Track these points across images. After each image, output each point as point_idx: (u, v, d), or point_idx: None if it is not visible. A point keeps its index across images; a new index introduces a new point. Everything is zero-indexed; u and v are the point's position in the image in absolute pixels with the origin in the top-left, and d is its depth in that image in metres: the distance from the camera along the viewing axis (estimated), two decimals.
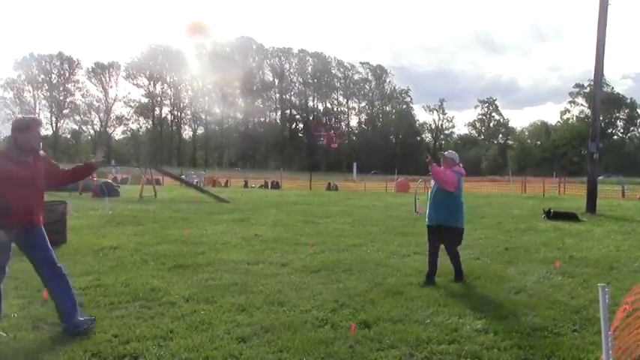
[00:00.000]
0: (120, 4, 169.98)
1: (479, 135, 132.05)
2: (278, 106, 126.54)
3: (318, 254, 10.21)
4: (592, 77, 23.80)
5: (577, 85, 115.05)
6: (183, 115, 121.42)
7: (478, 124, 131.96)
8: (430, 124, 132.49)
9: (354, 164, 73.52)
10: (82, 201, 22.04)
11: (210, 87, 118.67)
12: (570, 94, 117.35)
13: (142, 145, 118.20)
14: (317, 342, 5.25)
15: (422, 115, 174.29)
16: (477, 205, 22.64)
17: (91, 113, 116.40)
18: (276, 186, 43.98)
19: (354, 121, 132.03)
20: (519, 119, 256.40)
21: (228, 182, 47.96)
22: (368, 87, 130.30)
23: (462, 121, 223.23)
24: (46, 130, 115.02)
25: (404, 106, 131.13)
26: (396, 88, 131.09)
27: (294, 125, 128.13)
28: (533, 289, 7.63)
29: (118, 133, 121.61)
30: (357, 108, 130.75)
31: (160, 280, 7.80)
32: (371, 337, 5.47)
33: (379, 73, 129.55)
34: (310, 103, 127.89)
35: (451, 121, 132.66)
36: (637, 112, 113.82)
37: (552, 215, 17.27)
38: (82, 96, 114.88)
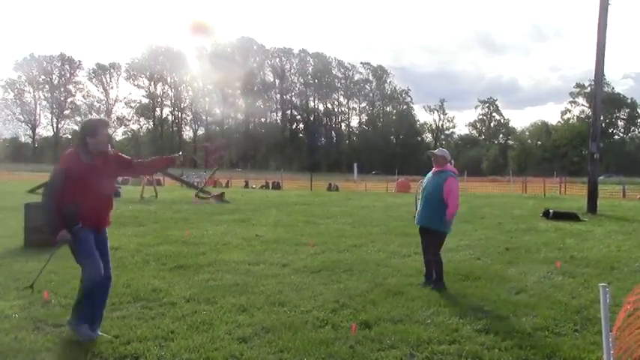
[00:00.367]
0: (121, 5, 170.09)
1: (479, 135, 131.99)
2: (279, 106, 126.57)
3: (318, 255, 10.21)
4: (592, 77, 23.80)
5: (577, 85, 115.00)
6: (183, 115, 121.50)
7: (479, 125, 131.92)
8: (431, 125, 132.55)
9: (355, 164, 73.44)
10: None
11: (211, 87, 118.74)
12: (571, 94, 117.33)
13: (142, 145, 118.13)
14: (318, 342, 5.26)
15: (422, 116, 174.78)
16: (478, 206, 22.65)
17: (91, 114, 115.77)
18: (276, 186, 43.96)
19: (354, 122, 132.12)
20: (520, 119, 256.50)
21: (229, 183, 47.96)
22: (368, 87, 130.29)
23: (462, 122, 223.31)
24: (46, 131, 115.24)
25: (404, 107, 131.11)
26: (397, 88, 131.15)
27: (294, 126, 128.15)
28: (533, 289, 7.64)
29: (118, 134, 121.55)
30: (357, 108, 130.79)
31: (160, 280, 7.80)
32: (372, 337, 5.47)
33: (380, 73, 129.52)
34: (311, 104, 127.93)
35: (452, 121, 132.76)
36: (637, 112, 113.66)
37: (553, 215, 17.26)
38: (83, 97, 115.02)
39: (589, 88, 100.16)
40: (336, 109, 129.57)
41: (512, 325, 5.93)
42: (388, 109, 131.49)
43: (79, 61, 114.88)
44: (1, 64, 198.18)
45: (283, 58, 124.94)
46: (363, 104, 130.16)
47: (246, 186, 46.30)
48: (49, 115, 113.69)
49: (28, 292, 6.90)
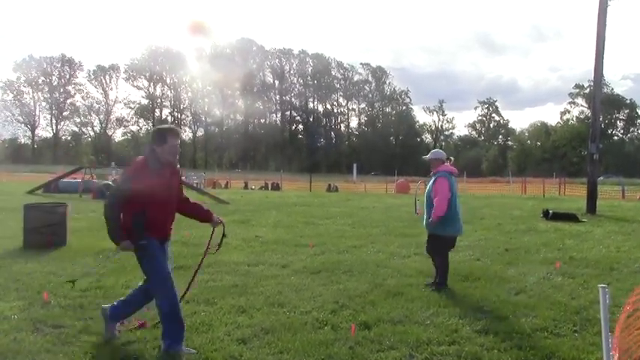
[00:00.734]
0: (120, 6, 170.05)
1: (479, 136, 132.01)
2: (278, 107, 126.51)
3: (318, 255, 10.21)
4: (592, 78, 23.81)
5: (577, 86, 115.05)
6: (183, 116, 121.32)
7: (478, 125, 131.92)
8: (430, 125, 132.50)
9: (354, 165, 73.50)
10: (83, 203, 22.04)
11: (211, 88, 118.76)
12: (570, 94, 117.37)
13: (142, 146, 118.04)
14: (317, 343, 5.26)
15: (422, 116, 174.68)
16: (477, 206, 22.65)
17: (91, 115, 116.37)
18: (276, 187, 43.96)
19: (354, 122, 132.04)
20: (519, 120, 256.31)
21: (228, 184, 47.98)
22: (368, 88, 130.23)
23: (461, 122, 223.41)
24: (46, 132, 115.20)
25: (404, 107, 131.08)
26: (396, 89, 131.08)
27: (294, 127, 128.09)
28: (533, 290, 7.64)
29: (118, 135, 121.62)
30: (357, 109, 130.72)
31: None
32: (371, 338, 5.47)
33: (379, 74, 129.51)
34: (310, 105, 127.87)
35: (451, 122, 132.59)
36: (637, 113, 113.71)
37: (552, 216, 17.27)
38: (82, 98, 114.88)
39: (588, 89, 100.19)
40: (335, 110, 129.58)
41: (512, 326, 5.93)
42: (387, 109, 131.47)
43: (79, 62, 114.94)
44: (1, 65, 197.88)
45: (283, 59, 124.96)
46: (363, 105, 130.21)
47: (246, 187, 46.30)
48: (49, 117, 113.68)
49: (28, 294, 6.92)
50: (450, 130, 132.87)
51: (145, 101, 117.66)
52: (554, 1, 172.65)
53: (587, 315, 6.35)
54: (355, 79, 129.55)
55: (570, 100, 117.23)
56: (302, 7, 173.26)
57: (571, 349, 5.23)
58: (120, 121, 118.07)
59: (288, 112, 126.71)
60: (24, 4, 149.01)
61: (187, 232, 12.91)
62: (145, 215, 4.97)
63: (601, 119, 25.79)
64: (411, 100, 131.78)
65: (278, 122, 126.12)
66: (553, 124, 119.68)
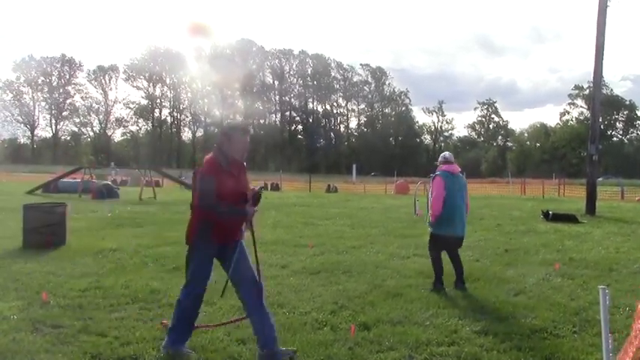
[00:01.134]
0: (120, 6, 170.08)
1: (478, 137, 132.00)
2: (278, 108, 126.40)
3: (317, 256, 10.21)
4: (591, 79, 23.85)
5: (576, 87, 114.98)
6: (182, 116, 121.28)
7: (477, 126, 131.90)
8: (430, 126, 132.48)
9: (354, 166, 73.48)
10: (82, 203, 22.03)
11: (210, 89, 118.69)
12: (569, 95, 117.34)
13: (141, 147, 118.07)
14: (316, 344, 5.26)
15: (421, 117, 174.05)
16: (477, 207, 22.63)
17: (90, 115, 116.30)
18: (275, 188, 43.94)
19: (353, 123, 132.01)
20: (519, 121, 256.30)
21: None
22: (367, 89, 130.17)
23: (461, 123, 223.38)
24: (45, 133, 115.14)
25: (403, 108, 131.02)
26: (396, 89, 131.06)
27: (293, 127, 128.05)
28: (532, 291, 7.64)
29: (117, 135, 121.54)
30: (356, 110, 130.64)
31: (159, 281, 7.80)
32: (370, 338, 5.47)
33: (379, 75, 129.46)
34: (310, 105, 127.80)
35: (450, 122, 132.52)
36: (636, 114, 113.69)
37: (552, 217, 17.27)
38: (82, 98, 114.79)
39: (588, 90, 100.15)
40: (335, 111, 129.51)
41: (511, 327, 5.93)
42: (387, 110, 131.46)
43: (79, 63, 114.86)
44: (1, 65, 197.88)
45: (282, 60, 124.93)
46: (362, 106, 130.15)
47: None
48: (48, 117, 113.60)
49: (27, 294, 6.92)
50: (450, 131, 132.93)
51: (144, 101, 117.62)
52: (553, 3, 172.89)
53: (586, 316, 6.35)
54: (355, 79, 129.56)
55: (570, 101, 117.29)
56: (302, 8, 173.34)
57: (570, 350, 5.23)
58: (119, 122, 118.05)
59: (287, 113, 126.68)
60: (24, 4, 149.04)
61: None
62: (214, 221, 4.86)
63: (600, 120, 25.79)
64: (410, 101, 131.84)
65: (277, 123, 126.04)
66: (552, 125, 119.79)
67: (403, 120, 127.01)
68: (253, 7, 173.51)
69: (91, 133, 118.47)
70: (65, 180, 30.34)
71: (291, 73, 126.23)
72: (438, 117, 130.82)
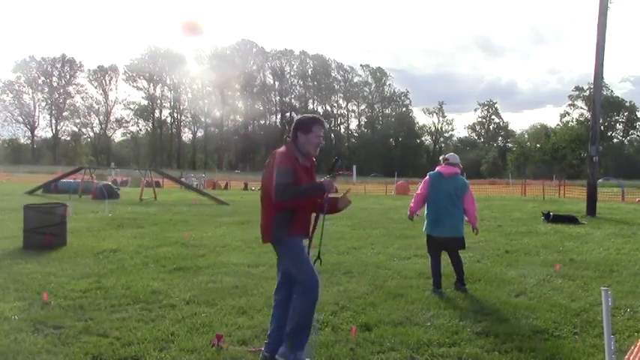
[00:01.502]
0: (120, 7, 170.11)
1: (478, 138, 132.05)
2: (278, 108, 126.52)
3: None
4: (591, 80, 23.83)
5: (577, 88, 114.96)
6: (182, 117, 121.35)
7: (478, 127, 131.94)
8: (430, 127, 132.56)
9: (354, 167, 73.47)
10: (82, 203, 22.03)
11: (210, 89, 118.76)
12: (570, 97, 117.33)
13: (141, 147, 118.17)
14: (318, 345, 5.25)
15: (421, 118, 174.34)
16: (477, 208, 22.62)
17: (90, 116, 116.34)
18: None
19: (353, 124, 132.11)
20: (519, 122, 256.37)
21: (228, 185, 47.96)
22: (368, 89, 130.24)
23: (461, 124, 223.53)
24: (45, 133, 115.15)
25: (403, 109, 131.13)
26: (396, 90, 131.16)
27: None
28: (533, 292, 7.64)
29: (117, 136, 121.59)
30: (356, 111, 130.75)
31: (160, 282, 7.80)
32: (372, 339, 5.47)
33: (379, 75, 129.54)
34: (310, 106, 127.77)
35: (451, 123, 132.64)
36: (636, 115, 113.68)
37: (553, 218, 17.27)
38: (82, 98, 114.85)
39: (588, 92, 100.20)
40: (335, 112, 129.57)
41: (512, 328, 5.92)
42: (387, 111, 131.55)
43: (80, 63, 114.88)
44: (1, 66, 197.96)
45: (283, 60, 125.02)
46: (363, 106, 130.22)
47: (246, 188, 46.25)
48: (48, 117, 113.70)
49: (28, 294, 6.92)
50: (450, 132, 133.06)
51: (144, 102, 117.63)
52: (553, 4, 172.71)
53: (587, 317, 6.34)
54: (355, 80, 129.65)
55: (570, 102, 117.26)
56: (302, 9, 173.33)
57: (571, 352, 5.23)
58: (119, 122, 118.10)
59: (288, 114, 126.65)
60: (25, 4, 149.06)
61: (187, 234, 12.93)
62: (291, 212, 4.74)
63: (601, 121, 25.77)
64: (410, 101, 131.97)
65: (278, 123, 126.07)
66: (553, 126, 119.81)
67: (403, 121, 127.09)
68: (254, 7, 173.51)
69: (91, 134, 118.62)
70: (65, 180, 30.34)
71: (292, 73, 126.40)
72: (438, 118, 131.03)
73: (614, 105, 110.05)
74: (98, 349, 5.05)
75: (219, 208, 21.90)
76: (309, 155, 4.88)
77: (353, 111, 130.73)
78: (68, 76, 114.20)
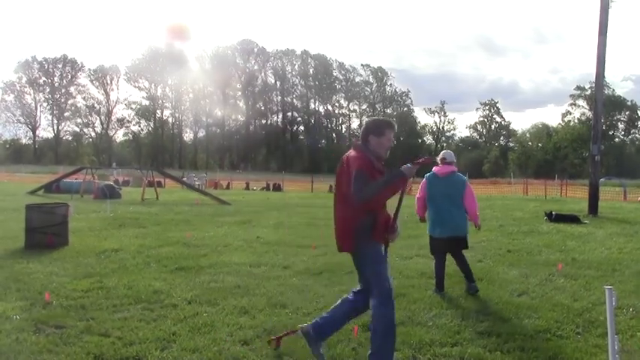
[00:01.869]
0: (121, 7, 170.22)
1: (480, 137, 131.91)
2: (279, 108, 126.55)
3: (320, 256, 10.19)
4: (593, 79, 23.76)
5: (578, 88, 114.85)
6: (184, 117, 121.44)
7: (479, 127, 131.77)
8: (431, 127, 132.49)
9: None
10: (84, 203, 22.04)
11: (212, 89, 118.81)
12: (571, 96, 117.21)
13: (143, 147, 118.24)
14: None
15: (423, 118, 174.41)
16: (479, 208, 22.61)
17: (92, 116, 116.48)
18: (277, 188, 43.98)
19: (355, 124, 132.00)
20: (521, 121, 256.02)
21: (229, 184, 47.98)
22: (369, 89, 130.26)
23: (463, 124, 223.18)
24: (47, 133, 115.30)
25: (405, 109, 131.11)
26: (397, 90, 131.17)
27: (295, 127, 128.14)
28: (535, 292, 7.62)
29: (119, 136, 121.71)
30: (358, 110, 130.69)
31: (162, 282, 7.79)
32: None
33: (380, 75, 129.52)
34: (312, 106, 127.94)
35: (452, 123, 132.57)
36: (637, 115, 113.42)
37: (555, 218, 17.25)
38: (84, 99, 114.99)
39: (589, 91, 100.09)
40: (336, 111, 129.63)
41: (515, 328, 5.91)
42: (389, 111, 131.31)
43: (81, 63, 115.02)
44: (3, 66, 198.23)
45: (284, 60, 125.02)
46: (364, 106, 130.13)
47: (247, 188, 46.31)
48: (50, 117, 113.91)
49: (29, 294, 6.92)
50: (452, 132, 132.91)
51: (146, 102, 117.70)
52: (555, 3, 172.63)
53: (589, 317, 6.33)
54: (356, 80, 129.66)
55: (571, 101, 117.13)
56: (304, 9, 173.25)
57: (574, 351, 5.22)
58: (121, 122, 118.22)
59: (289, 113, 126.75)
60: (27, 5, 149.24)
61: (188, 234, 12.93)
62: (372, 218, 4.64)
63: (602, 121, 25.72)
64: (412, 101, 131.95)
65: (279, 123, 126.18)
66: (554, 126, 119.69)
67: (405, 120, 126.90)
68: (255, 8, 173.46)
69: (93, 134, 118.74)
70: (67, 180, 30.37)
71: (293, 73, 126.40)
72: (439, 117, 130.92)
73: (616, 104, 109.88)
74: (100, 348, 5.04)
75: (220, 207, 21.90)
76: (381, 158, 4.81)
77: (354, 111, 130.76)
78: (70, 77, 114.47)
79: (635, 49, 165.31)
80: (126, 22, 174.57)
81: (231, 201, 24.93)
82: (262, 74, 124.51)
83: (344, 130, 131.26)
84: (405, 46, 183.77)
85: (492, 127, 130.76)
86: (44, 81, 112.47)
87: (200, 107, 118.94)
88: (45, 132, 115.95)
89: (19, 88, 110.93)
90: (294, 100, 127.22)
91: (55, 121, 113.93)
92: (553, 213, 17.58)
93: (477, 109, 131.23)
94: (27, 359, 4.79)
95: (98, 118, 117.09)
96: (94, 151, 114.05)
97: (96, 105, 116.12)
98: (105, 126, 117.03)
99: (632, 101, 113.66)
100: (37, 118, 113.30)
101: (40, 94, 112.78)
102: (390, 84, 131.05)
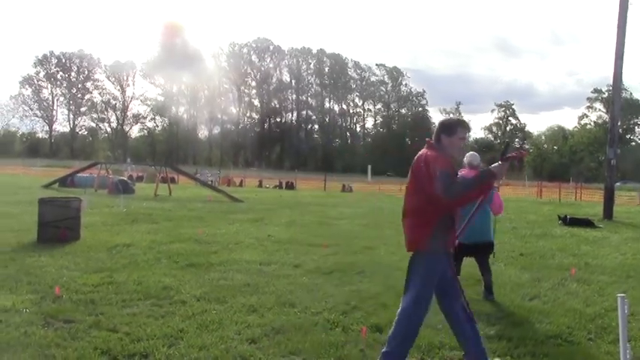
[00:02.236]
0: (138, 3, 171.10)
1: (495, 139, 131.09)
2: (294, 106, 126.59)
3: (331, 256, 10.16)
4: (610, 82, 23.57)
5: (595, 91, 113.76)
6: (199, 114, 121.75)
7: (494, 128, 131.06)
8: None
9: (369, 166, 73.37)
10: (98, 198, 22.14)
11: (227, 86, 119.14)
12: (588, 99, 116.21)
13: (158, 143, 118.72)
14: (327, 345, 5.21)
15: (438, 118, 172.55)
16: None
17: (108, 111, 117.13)
18: (290, 186, 44.01)
19: (369, 123, 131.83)
20: (536, 124, 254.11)
21: (243, 182, 48.06)
22: (384, 89, 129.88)
23: (478, 125, 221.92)
24: (63, 127, 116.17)
25: (420, 109, 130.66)
26: (413, 90, 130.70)
27: (309, 126, 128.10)
28: (547, 296, 7.55)
29: (134, 132, 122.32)
30: (372, 110, 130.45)
31: (172, 278, 7.79)
32: (382, 341, 5.39)
33: (395, 75, 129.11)
34: (327, 104, 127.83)
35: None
36: None
37: (569, 221, 17.10)
38: (100, 94, 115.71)
39: (607, 94, 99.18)
40: (351, 110, 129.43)
41: (526, 332, 5.84)
42: (403, 111, 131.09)
43: (98, 59, 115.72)
44: (22, 61, 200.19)
45: (300, 59, 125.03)
46: (379, 106, 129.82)
47: (260, 185, 46.35)
48: (66, 112, 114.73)
49: (40, 287, 6.94)
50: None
51: (161, 98, 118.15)
52: (572, 5, 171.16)
53: (602, 323, 6.24)
54: (371, 79, 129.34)
55: (588, 104, 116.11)
56: (320, 8, 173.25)
57: (586, 358, 5.15)
58: (136, 118, 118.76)
59: (304, 112, 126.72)
60: (45, 1, 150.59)
61: (200, 230, 12.94)
62: (451, 220, 4.53)
63: (619, 124, 25.46)
64: (427, 101, 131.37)
65: (294, 121, 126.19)
66: (570, 129, 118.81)
67: (420, 121, 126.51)
68: (271, 6, 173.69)
69: (109, 129, 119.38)
70: (82, 175, 30.55)
71: (309, 72, 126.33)
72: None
73: (634, 107, 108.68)
74: (107, 344, 5.04)
75: (233, 205, 21.93)
76: (453, 158, 4.77)
77: (369, 110, 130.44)
78: (86, 72, 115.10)
79: None
80: (142, 18, 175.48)
81: (244, 198, 24.95)
82: (277, 72, 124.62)
83: (358, 129, 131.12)
84: (420, 46, 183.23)
85: (507, 129, 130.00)
86: (61, 76, 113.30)
87: (215, 104, 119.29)
88: (61, 126, 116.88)
89: (36, 83, 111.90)
90: (309, 99, 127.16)
91: (72, 116, 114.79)
92: (568, 217, 17.43)
93: (492, 110, 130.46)
94: (35, 353, 4.79)
95: (114, 113, 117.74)
96: (110, 147, 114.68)
97: (112, 100, 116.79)
98: (120, 121, 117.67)
99: None
100: (54, 112, 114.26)
101: (58, 89, 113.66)
102: (405, 84, 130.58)
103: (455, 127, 4.73)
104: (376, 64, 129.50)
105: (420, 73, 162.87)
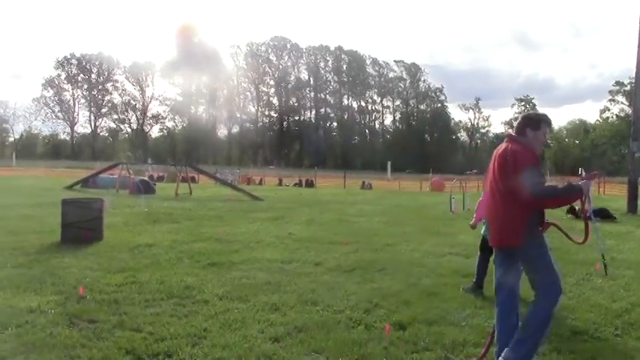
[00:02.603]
0: (156, 3, 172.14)
1: None
2: (313, 104, 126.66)
3: (352, 253, 10.14)
4: (632, 75, 23.23)
5: (617, 83, 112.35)
6: (218, 113, 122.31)
7: (515, 123, 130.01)
8: (466, 123, 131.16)
9: (389, 163, 73.21)
10: (119, 198, 22.29)
11: (245, 85, 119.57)
12: (610, 92, 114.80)
13: (177, 143, 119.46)
14: (351, 343, 5.19)
15: (457, 114, 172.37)
16: None
17: (128, 112, 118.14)
18: (310, 184, 44.03)
19: (388, 120, 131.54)
20: (557, 118, 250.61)
21: (262, 180, 48.17)
22: (402, 85, 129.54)
23: (498, 120, 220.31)
24: (84, 129, 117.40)
25: (439, 105, 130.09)
26: (431, 86, 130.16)
27: (328, 124, 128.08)
28: (572, 292, 7.46)
29: (154, 132, 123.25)
30: (391, 106, 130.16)
31: (194, 277, 7.82)
32: (406, 338, 5.39)
33: (414, 71, 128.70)
34: (345, 102, 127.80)
35: (487, 119, 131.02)
36: None
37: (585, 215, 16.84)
38: (120, 95, 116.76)
39: (629, 86, 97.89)
40: (370, 107, 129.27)
41: (551, 328, 5.77)
42: (422, 107, 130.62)
43: (117, 60, 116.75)
44: (43, 63, 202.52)
45: (317, 56, 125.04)
46: (397, 102, 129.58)
47: (280, 184, 46.44)
48: (87, 113, 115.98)
49: (64, 288, 7.00)
50: (486, 128, 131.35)
51: (180, 98, 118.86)
52: None
53: (629, 318, 6.16)
54: (390, 76, 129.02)
55: (610, 97, 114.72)
56: (337, 4, 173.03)
57: (612, 354, 5.08)
58: (156, 118, 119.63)
59: (322, 109, 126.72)
60: (68, 3, 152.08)
61: (221, 229, 12.98)
62: (539, 213, 4.57)
63: None
64: (446, 97, 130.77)
65: (312, 119, 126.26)
66: (592, 122, 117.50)
67: (439, 117, 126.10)
68: (288, 4, 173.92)
69: (129, 130, 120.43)
70: (103, 176, 30.81)
71: (327, 69, 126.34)
72: (474, 114, 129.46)
73: None
74: (131, 343, 5.06)
75: (253, 203, 21.98)
76: (538, 155, 4.72)
77: (388, 107, 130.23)
78: (106, 73, 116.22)
79: None
80: (160, 18, 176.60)
81: (264, 197, 25.00)
82: (295, 70, 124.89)
83: (377, 126, 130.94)
84: (439, 42, 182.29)
85: None
86: (82, 78, 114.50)
87: (234, 103, 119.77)
88: (82, 128, 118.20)
89: (58, 85, 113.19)
90: (327, 96, 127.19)
91: (92, 117, 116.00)
92: (576, 209, 17.11)
93: (512, 105, 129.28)
94: (60, 354, 4.82)
95: (134, 114, 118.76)
96: (130, 147, 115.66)
97: (132, 101, 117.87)
98: (140, 122, 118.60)
99: None
100: (75, 114, 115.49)
101: (78, 91, 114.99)
102: (424, 80, 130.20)
103: (541, 122, 4.74)
104: (394, 61, 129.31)
105: (439, 69, 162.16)
